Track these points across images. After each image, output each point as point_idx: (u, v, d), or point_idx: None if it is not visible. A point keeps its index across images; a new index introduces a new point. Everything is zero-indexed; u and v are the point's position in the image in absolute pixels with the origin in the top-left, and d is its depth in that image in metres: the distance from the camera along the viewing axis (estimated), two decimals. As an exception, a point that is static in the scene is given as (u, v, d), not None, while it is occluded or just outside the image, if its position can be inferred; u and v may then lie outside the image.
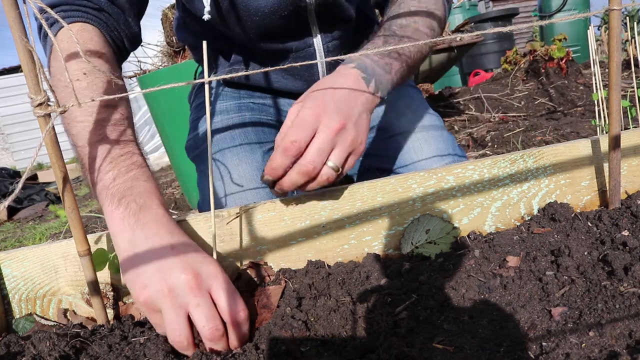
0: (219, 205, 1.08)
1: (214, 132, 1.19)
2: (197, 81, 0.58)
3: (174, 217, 0.76)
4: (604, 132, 1.35)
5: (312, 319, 0.65)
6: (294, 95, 1.22)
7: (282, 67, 0.64)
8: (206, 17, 0.78)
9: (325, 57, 1.11)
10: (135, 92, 0.60)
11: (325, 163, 0.70)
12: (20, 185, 0.51)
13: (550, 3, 6.17)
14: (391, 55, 0.81)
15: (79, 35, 0.78)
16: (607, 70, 0.75)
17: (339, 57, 0.65)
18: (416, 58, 0.86)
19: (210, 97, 1.16)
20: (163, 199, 0.71)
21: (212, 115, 1.23)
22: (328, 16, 1.04)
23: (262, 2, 0.97)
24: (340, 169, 0.71)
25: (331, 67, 1.15)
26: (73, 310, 0.77)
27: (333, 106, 0.71)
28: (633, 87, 1.34)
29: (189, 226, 0.76)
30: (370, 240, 0.79)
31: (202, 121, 1.25)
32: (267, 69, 0.63)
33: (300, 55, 1.11)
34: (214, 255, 0.69)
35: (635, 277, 0.59)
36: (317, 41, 1.09)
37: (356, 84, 0.75)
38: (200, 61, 1.28)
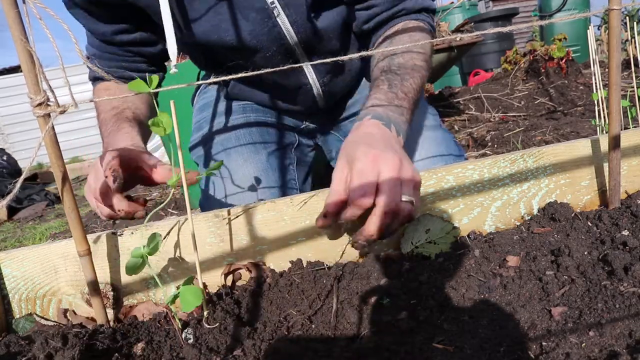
0: (223, 205, 1.09)
1: (219, 132, 1.20)
2: (198, 83, 0.58)
3: (174, 217, 0.76)
4: (604, 132, 1.35)
5: (312, 319, 0.65)
6: (296, 113, 1.26)
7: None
8: (173, 70, 0.80)
9: (320, 88, 1.15)
10: (135, 93, 0.60)
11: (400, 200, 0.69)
12: (19, 184, 0.51)
13: (550, 3, 6.17)
14: (399, 97, 0.83)
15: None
16: (607, 70, 0.75)
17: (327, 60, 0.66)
18: (418, 92, 0.89)
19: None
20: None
21: (216, 116, 1.24)
22: (315, 50, 1.06)
23: (233, 38, 1.00)
24: (414, 202, 0.70)
25: (328, 95, 1.17)
26: (73, 310, 0.77)
27: (382, 146, 0.72)
28: (633, 87, 1.34)
29: (189, 226, 0.76)
30: (370, 240, 0.79)
31: (205, 122, 1.26)
32: (260, 72, 0.61)
33: (299, 91, 1.14)
34: (197, 258, 0.69)
35: (635, 277, 0.59)
36: (312, 77, 1.12)
37: (381, 130, 0.77)
38: (200, 67, 1.30)
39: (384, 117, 0.79)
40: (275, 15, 0.97)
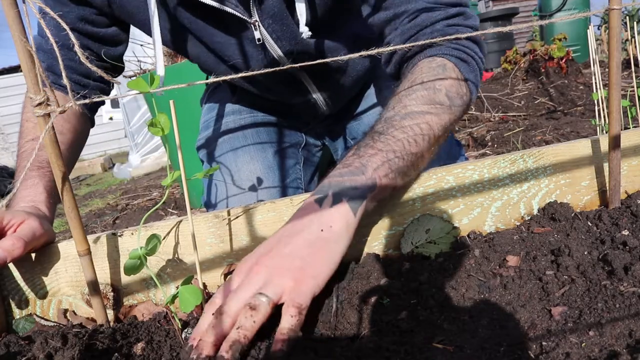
0: (230, 203, 1.10)
1: (226, 131, 1.21)
2: (197, 82, 0.58)
3: (174, 217, 0.76)
4: (604, 131, 1.35)
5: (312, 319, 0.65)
6: (303, 118, 1.27)
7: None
8: (158, 92, 0.74)
9: (325, 107, 1.14)
10: (135, 93, 0.60)
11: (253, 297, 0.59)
12: (19, 183, 0.51)
13: (550, 3, 6.16)
14: (364, 155, 0.72)
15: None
16: (607, 69, 0.75)
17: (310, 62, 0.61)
18: (414, 139, 0.74)
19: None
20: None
21: (224, 115, 1.25)
22: (317, 70, 1.04)
23: (229, 57, 0.98)
24: (278, 297, 0.59)
25: (332, 104, 1.18)
26: (73, 311, 0.77)
27: (251, 256, 0.65)
28: (633, 87, 1.34)
29: (189, 226, 0.76)
30: (370, 240, 0.79)
31: (213, 121, 1.27)
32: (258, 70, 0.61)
33: (303, 106, 1.14)
34: (197, 258, 0.69)
35: (635, 277, 0.59)
36: (317, 95, 1.12)
37: (306, 213, 0.68)
38: (203, 71, 1.30)
39: (324, 188, 0.70)
40: (268, 47, 0.96)
